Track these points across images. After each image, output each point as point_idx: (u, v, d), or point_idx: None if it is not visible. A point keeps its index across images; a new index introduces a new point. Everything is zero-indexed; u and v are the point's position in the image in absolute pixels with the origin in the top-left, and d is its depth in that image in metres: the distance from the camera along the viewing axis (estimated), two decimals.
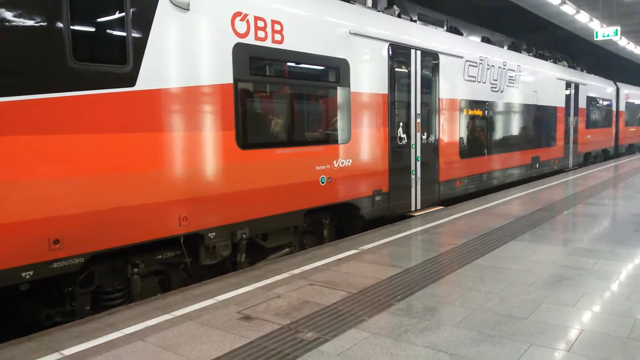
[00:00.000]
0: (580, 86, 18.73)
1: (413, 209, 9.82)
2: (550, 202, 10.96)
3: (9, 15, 4.37)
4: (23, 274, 4.56)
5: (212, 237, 6.11)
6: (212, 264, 6.32)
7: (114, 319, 4.75)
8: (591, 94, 20.16)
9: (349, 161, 8.13)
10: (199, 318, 4.72)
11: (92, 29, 5.08)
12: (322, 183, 7.65)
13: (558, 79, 16.74)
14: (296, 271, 6.11)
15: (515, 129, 14.33)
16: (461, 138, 11.45)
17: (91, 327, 4.55)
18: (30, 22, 4.50)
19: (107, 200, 5.08)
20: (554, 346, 4.01)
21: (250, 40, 6.46)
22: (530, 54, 16.48)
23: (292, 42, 7.06)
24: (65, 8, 4.67)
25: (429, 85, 10.26)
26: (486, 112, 12.58)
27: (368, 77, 8.53)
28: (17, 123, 4.44)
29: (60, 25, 4.66)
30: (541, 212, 9.83)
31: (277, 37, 6.85)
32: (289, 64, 7.27)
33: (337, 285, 5.56)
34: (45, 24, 4.58)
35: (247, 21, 6.41)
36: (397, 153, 9.30)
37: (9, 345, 4.24)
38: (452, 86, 10.94)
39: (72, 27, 4.75)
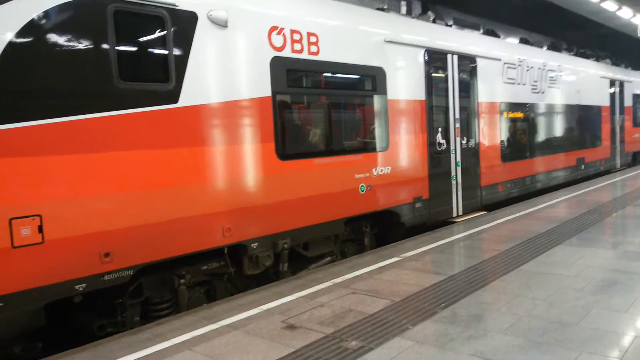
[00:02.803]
0: (625, 84, 18.08)
1: (454, 215, 9.69)
2: (598, 205, 10.61)
3: (60, 40, 4.61)
4: (76, 287, 4.76)
5: (254, 247, 6.21)
6: (255, 274, 6.41)
7: (163, 329, 4.88)
8: (638, 91, 19.43)
9: (388, 168, 8.11)
10: (245, 327, 4.80)
11: (136, 50, 5.29)
12: (362, 191, 7.66)
13: (601, 77, 16.23)
14: (338, 280, 6.13)
15: (558, 130, 13.96)
16: (502, 141, 11.24)
17: (141, 337, 4.70)
18: (79, 46, 4.73)
19: (154, 214, 5.25)
20: (606, 354, 3.89)
21: (287, 53, 6.57)
22: (571, 53, 16.06)
23: (327, 53, 7.13)
24: (111, 31, 4.89)
25: (467, 89, 10.14)
26: (527, 114, 12.32)
27: (404, 84, 8.51)
28: (70, 142, 4.66)
29: (106, 47, 4.89)
30: (588, 214, 9.53)
31: (313, 48, 6.94)
32: (325, 74, 7.35)
33: (379, 293, 5.55)
34: (92, 46, 4.81)
35: (284, 35, 6.53)
36: (437, 159, 9.22)
37: (65, 355, 4.43)
38: (490, 89, 10.78)
39: (117, 48, 4.96)
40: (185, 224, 5.50)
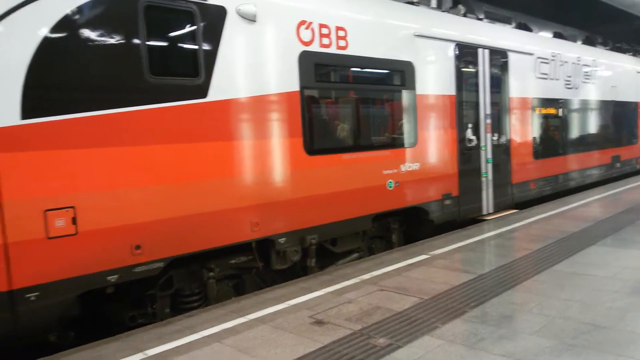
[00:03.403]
0: None
1: (485, 212, 9.53)
2: (635, 204, 10.30)
3: (93, 35, 4.69)
4: (109, 278, 4.85)
5: (282, 242, 6.22)
6: (283, 269, 6.43)
7: (193, 321, 4.94)
8: None
9: (416, 165, 8.02)
10: (273, 321, 4.81)
11: (166, 45, 5.34)
12: (390, 187, 7.59)
13: (638, 72, 15.72)
14: (366, 276, 6.10)
15: (592, 127, 13.60)
16: (534, 138, 11.00)
17: (172, 329, 4.76)
18: (111, 41, 4.80)
19: (183, 207, 5.30)
20: None
21: (315, 47, 6.55)
22: (607, 48, 15.59)
23: (356, 47, 7.08)
24: (142, 26, 4.95)
25: (498, 84, 9.94)
26: (560, 110, 12.02)
27: (434, 79, 8.39)
28: (102, 136, 4.74)
29: (138, 42, 4.94)
30: (624, 214, 9.26)
31: (342, 42, 6.89)
32: (353, 69, 7.30)
33: (408, 291, 5.50)
34: (124, 41, 4.87)
35: (312, 29, 6.51)
36: (466, 155, 9.08)
37: (97, 345, 4.53)
38: (522, 84, 10.55)
39: (148, 43, 5.01)
40: (214, 217, 5.54)
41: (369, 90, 7.67)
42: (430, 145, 8.34)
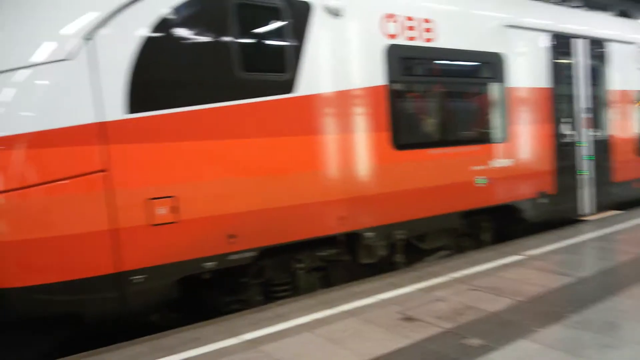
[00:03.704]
0: None
1: (583, 212, 8.97)
2: None
3: (188, 34, 4.91)
4: (206, 264, 5.07)
5: (369, 236, 6.22)
6: (370, 263, 6.43)
7: (284, 310, 5.06)
8: None
9: (507, 161, 7.70)
10: (362, 315, 4.83)
11: (255, 41, 5.47)
12: (479, 184, 7.35)
13: None
14: (456, 275, 5.95)
15: None
16: (639, 134, 10.20)
17: (264, 316, 4.91)
18: (205, 39, 5.01)
19: (274, 199, 5.44)
20: None
21: (401, 40, 6.45)
22: None
23: (443, 40, 6.90)
24: (233, 24, 5.12)
25: (597, 76, 9.30)
26: None
27: (526, 71, 8.00)
28: (199, 130, 4.96)
29: (229, 39, 5.12)
30: None
31: (428, 35, 6.75)
32: (440, 61, 7.12)
33: (501, 291, 5.30)
34: (216, 39, 5.07)
35: (398, 22, 6.42)
36: (562, 152, 8.58)
37: (197, 327, 4.77)
38: (623, 76, 9.79)
39: (238, 40, 5.18)
40: (303, 210, 5.64)
41: (456, 83, 7.46)
42: (522, 141, 7.96)
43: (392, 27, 6.37)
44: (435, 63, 7.08)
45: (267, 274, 5.76)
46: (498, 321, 4.54)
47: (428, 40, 6.75)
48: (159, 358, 4.10)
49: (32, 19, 4.49)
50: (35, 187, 4.24)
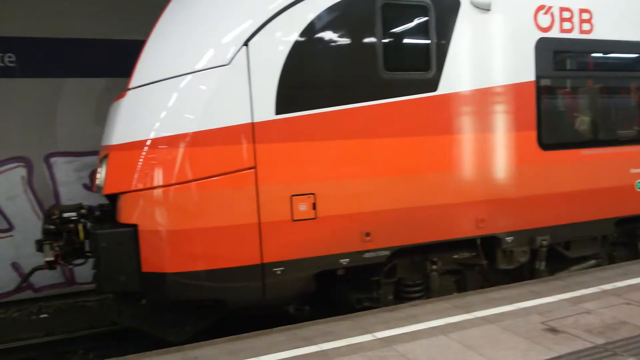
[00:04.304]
0: None
1: None
2: None
3: (336, 37, 5.07)
4: (341, 261, 5.22)
5: (509, 241, 5.92)
6: (508, 269, 6.12)
7: (417, 311, 5.03)
8: None
9: None
10: (500, 322, 4.62)
11: (400, 41, 5.48)
12: (639, 188, 6.62)
13: None
14: (607, 287, 5.45)
15: None
16: None
17: (397, 316, 4.93)
18: (351, 41, 5.13)
19: (410, 199, 5.42)
20: None
21: (554, 33, 6.03)
22: None
23: (602, 30, 6.32)
24: (379, 24, 5.18)
25: None
26: None
27: None
28: (340, 129, 5.10)
29: (374, 40, 5.19)
30: None
31: (585, 26, 6.22)
32: (598, 54, 6.56)
33: None
34: (362, 40, 5.16)
35: (552, 14, 6.01)
36: None
37: (331, 321, 4.93)
38: None
39: (383, 40, 5.22)
40: (439, 211, 5.54)
41: (615, 77, 6.80)
42: None
43: (544, 20, 6.00)
44: (592, 56, 6.53)
45: (399, 274, 5.75)
46: None
47: (585, 32, 6.24)
48: (298, 347, 4.30)
49: (196, 31, 4.95)
50: (192, 182, 4.69)
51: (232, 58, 4.70)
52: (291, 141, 4.96)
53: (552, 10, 6.01)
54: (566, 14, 6.11)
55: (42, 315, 7.98)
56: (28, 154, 8.44)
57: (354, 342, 4.35)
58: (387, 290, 5.75)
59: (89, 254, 5.27)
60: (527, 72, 5.91)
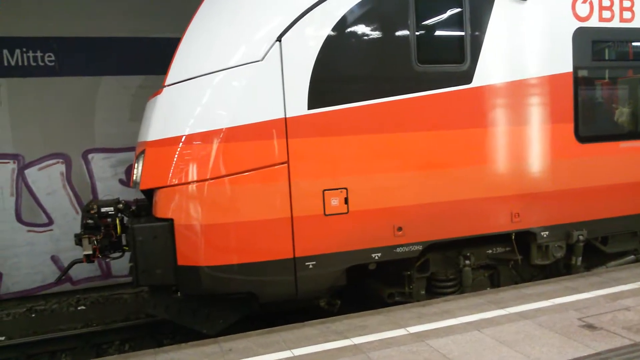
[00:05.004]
0: None
1: None
2: None
3: (368, 31, 5.04)
4: (373, 255, 5.21)
5: (545, 236, 5.81)
6: (543, 264, 6.01)
7: (450, 306, 5.00)
8: None
9: None
10: (536, 318, 4.55)
11: (434, 33, 5.42)
12: None
13: None
14: None
15: None
16: None
17: (430, 311, 4.90)
18: (383, 34, 5.09)
19: (443, 193, 5.36)
20: None
21: (593, 22, 5.86)
22: None
23: None
24: (412, 17, 5.13)
25: None
26: None
27: None
28: (372, 124, 5.08)
29: (406, 32, 5.14)
30: None
31: (627, 14, 6.02)
32: (639, 43, 6.32)
33: None
34: (395, 34, 5.12)
35: (590, 2, 5.84)
36: None
37: (363, 315, 4.94)
38: None
39: (416, 32, 5.17)
40: (472, 205, 5.47)
41: None
42: None
43: (583, 9, 5.84)
44: (634, 45, 6.32)
45: (432, 269, 5.71)
46: None
47: (626, 20, 6.05)
48: (330, 341, 4.33)
49: (230, 28, 4.98)
50: (226, 177, 4.75)
51: (266, 54, 4.74)
52: (323, 136, 4.97)
53: None
54: (606, 2, 5.93)
55: (79, 307, 8.22)
56: (67, 151, 8.70)
57: (387, 337, 4.36)
58: (420, 285, 5.72)
59: (125, 248, 5.40)
60: (564, 63, 5.76)
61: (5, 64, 8.30)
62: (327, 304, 5.76)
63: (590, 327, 4.33)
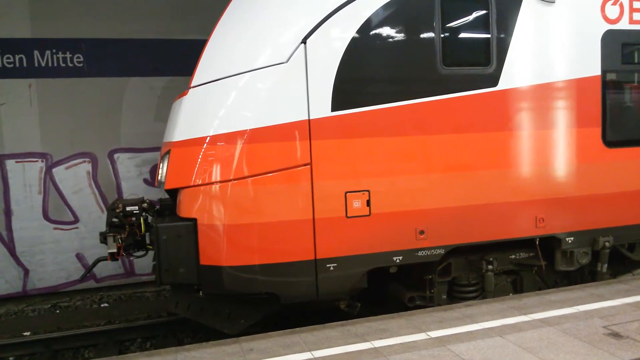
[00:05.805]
0: None
1: None
2: None
3: (393, 33, 5.03)
4: (394, 258, 5.19)
5: (569, 241, 5.72)
6: (567, 271, 5.91)
7: (472, 311, 4.95)
8: None
9: None
10: (559, 325, 4.48)
11: (460, 35, 5.38)
12: None
13: None
14: None
15: None
16: None
17: (451, 315, 4.86)
18: (409, 37, 5.08)
19: (466, 196, 5.32)
20: None
21: (623, 25, 5.77)
22: None
23: None
24: (437, 19, 5.10)
25: None
26: None
27: None
28: (397, 126, 5.06)
29: (432, 35, 5.12)
30: None
31: None
32: None
33: None
34: (420, 36, 5.10)
35: (620, 4, 5.74)
36: None
37: (383, 318, 4.92)
38: None
39: (442, 35, 5.14)
40: (496, 210, 5.41)
41: None
42: None
43: (613, 11, 5.75)
44: None
45: (454, 273, 5.66)
46: None
47: None
48: (351, 344, 4.33)
49: (255, 30, 5.03)
50: (249, 178, 4.79)
51: (290, 56, 4.77)
52: (346, 138, 4.98)
53: (621, 1, 5.74)
54: (637, 4, 5.82)
55: (103, 305, 8.36)
56: (93, 150, 8.86)
57: (408, 341, 4.34)
58: (441, 290, 5.67)
59: (149, 247, 5.47)
60: (592, 66, 5.68)
61: (36, 64, 8.50)
62: (347, 306, 5.75)
63: (615, 335, 4.24)
